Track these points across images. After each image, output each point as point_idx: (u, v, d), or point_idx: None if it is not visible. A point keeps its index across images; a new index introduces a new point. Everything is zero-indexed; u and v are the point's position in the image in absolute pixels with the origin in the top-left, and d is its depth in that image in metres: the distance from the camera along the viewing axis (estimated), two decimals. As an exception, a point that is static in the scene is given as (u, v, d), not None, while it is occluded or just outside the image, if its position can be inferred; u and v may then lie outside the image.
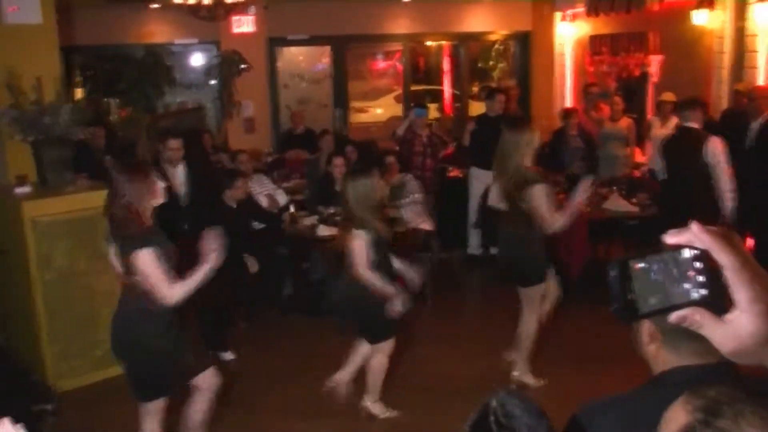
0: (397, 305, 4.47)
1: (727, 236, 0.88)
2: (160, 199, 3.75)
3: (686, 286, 0.88)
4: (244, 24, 10.80)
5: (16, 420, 1.49)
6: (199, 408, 4.08)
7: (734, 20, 8.10)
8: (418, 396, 5.10)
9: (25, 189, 5.31)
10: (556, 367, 5.45)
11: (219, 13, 8.82)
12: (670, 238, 0.90)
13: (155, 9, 10.40)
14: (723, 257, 0.86)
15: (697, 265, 0.88)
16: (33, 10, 5.48)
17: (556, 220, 4.71)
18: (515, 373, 5.18)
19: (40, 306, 5.18)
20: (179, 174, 5.56)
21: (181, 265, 5.52)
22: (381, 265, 4.50)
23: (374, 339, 4.69)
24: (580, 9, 10.50)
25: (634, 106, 9.61)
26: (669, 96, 8.06)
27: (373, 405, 4.83)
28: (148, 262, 3.60)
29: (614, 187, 7.30)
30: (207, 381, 4.00)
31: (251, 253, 6.26)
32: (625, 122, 8.63)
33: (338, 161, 7.23)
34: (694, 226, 0.88)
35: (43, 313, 5.19)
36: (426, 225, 7.00)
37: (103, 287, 5.43)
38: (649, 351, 1.74)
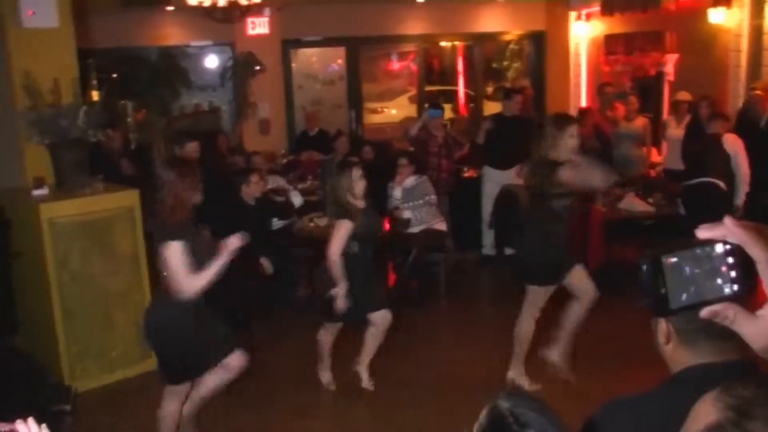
0: (339, 303, 4.75)
1: (761, 230, 0.87)
2: (199, 197, 3.94)
3: (719, 281, 0.87)
4: (258, 26, 10.83)
5: (39, 420, 1.50)
6: (211, 382, 4.18)
7: (751, 18, 8.04)
8: (430, 395, 5.09)
9: (42, 191, 5.36)
10: (571, 366, 5.42)
11: (234, 15, 8.85)
12: (703, 232, 0.89)
13: (170, 11, 10.46)
14: (756, 251, 0.85)
15: (730, 260, 0.87)
16: (50, 14, 5.53)
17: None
18: (510, 374, 5.16)
19: (56, 307, 5.22)
20: (194, 176, 5.59)
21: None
22: (358, 259, 4.84)
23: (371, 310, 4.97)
24: (595, 8, 10.46)
25: (649, 105, 9.56)
26: (684, 95, 8.01)
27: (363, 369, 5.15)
28: (174, 253, 3.78)
29: (630, 187, 7.26)
30: (232, 361, 4.13)
31: (267, 253, 6.28)
32: (640, 122, 8.59)
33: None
34: (728, 221, 0.87)
35: (59, 314, 5.23)
36: (440, 226, 6.99)
37: (119, 289, 5.47)
38: (666, 351, 1.73)
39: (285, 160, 9.97)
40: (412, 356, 5.86)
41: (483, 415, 1.79)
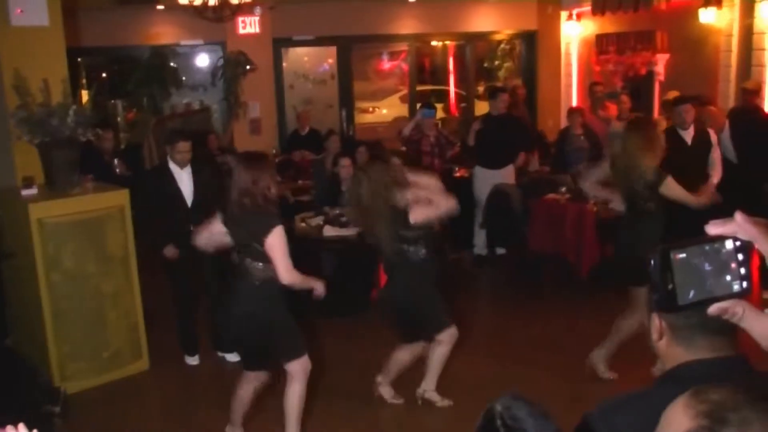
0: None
1: None
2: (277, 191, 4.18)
3: (728, 278, 0.87)
4: (249, 25, 10.81)
5: (28, 423, 1.48)
6: (295, 389, 4.26)
7: (742, 18, 8.07)
8: (414, 396, 5.08)
9: (31, 191, 5.31)
10: (569, 365, 5.43)
11: (225, 14, 8.81)
12: (713, 228, 0.87)
13: (161, 10, 10.41)
14: (767, 247, 0.84)
15: (740, 257, 0.86)
16: (40, 12, 5.49)
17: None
18: (593, 356, 5.16)
19: (47, 308, 5.18)
20: (186, 175, 5.56)
21: (190, 262, 5.54)
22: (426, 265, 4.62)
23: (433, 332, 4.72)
24: (586, 8, 10.47)
25: (641, 105, 9.58)
26: (675, 95, 8.03)
27: (431, 393, 4.92)
28: (280, 238, 3.95)
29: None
30: (300, 366, 4.23)
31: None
32: (632, 121, 8.60)
33: (345, 162, 7.22)
34: (738, 216, 0.86)
35: (50, 315, 5.19)
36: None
37: (110, 289, 5.44)
38: (660, 347, 1.72)
39: (276, 160, 9.94)
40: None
41: (481, 415, 1.79)
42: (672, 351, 1.68)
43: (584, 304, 6.69)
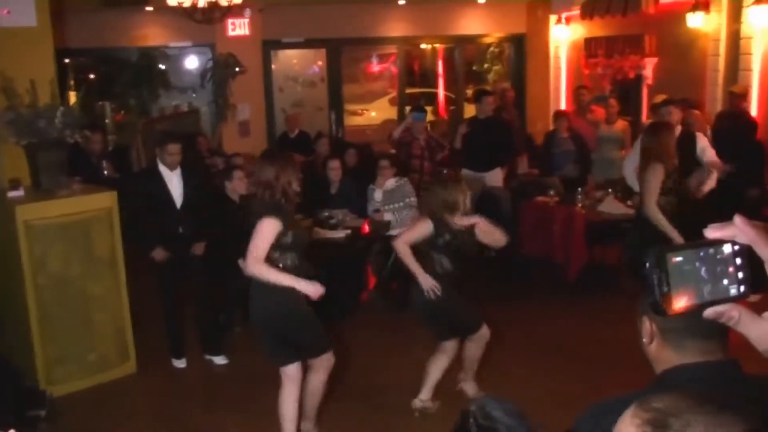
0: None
1: None
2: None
3: (725, 282, 0.86)
4: (239, 27, 10.79)
5: (16, 428, 1.46)
6: (317, 382, 4.33)
7: (729, 23, 8.12)
8: (413, 395, 5.07)
9: (18, 192, 5.27)
10: (556, 368, 5.44)
11: (214, 16, 8.79)
12: (712, 232, 0.87)
13: (150, 12, 10.38)
14: (766, 252, 0.84)
15: (738, 261, 0.86)
16: (27, 13, 5.45)
17: None
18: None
19: (33, 310, 5.14)
20: (176, 178, 5.53)
21: (178, 265, 5.52)
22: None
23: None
24: (575, 12, 10.51)
25: (629, 108, 9.62)
26: (663, 98, 8.05)
27: (466, 384, 5.02)
28: (267, 228, 3.96)
29: (610, 190, 7.29)
30: (325, 362, 4.29)
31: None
32: (620, 125, 8.64)
33: (334, 164, 7.21)
34: (738, 219, 0.86)
35: (36, 317, 5.15)
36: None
37: (97, 292, 5.40)
38: (651, 350, 1.72)
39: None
40: (391, 357, 5.85)
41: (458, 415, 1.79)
42: (663, 355, 1.68)
43: (572, 307, 6.70)
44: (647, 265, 0.87)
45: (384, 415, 4.93)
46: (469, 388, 5.00)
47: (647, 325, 1.70)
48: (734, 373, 1.62)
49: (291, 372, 4.24)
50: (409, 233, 4.78)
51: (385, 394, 5.18)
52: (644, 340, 1.72)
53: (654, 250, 0.87)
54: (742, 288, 0.86)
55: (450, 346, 4.79)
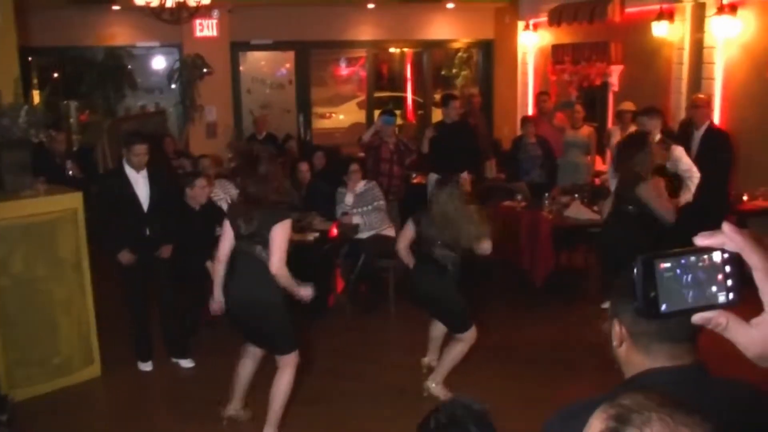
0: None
1: (760, 239, 0.88)
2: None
3: (714, 288, 0.88)
4: (206, 28, 10.72)
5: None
6: (284, 379, 4.40)
7: (693, 32, 8.27)
8: (386, 400, 5.08)
9: (-19, 193, 5.18)
10: (523, 372, 5.48)
11: (182, 17, 8.72)
12: (701, 239, 0.89)
13: (117, 11, 10.26)
14: (754, 259, 0.86)
15: (727, 268, 0.87)
16: (-9, 10, 5.36)
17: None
18: None
19: (-5, 313, 5.04)
20: (142, 179, 5.46)
21: (144, 268, 5.46)
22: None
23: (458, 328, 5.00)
24: (543, 18, 10.62)
25: (595, 114, 9.74)
26: (629, 105, 8.17)
27: (436, 387, 5.05)
28: (286, 231, 4.15)
29: (576, 195, 7.37)
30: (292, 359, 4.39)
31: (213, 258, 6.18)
32: (586, 131, 8.74)
33: (303, 166, 7.20)
34: (727, 227, 0.88)
35: (-2, 320, 5.06)
36: (389, 231, 7.00)
37: (62, 294, 5.32)
38: (620, 353, 1.74)
39: (233, 164, 9.86)
40: (360, 361, 5.84)
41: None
42: (632, 358, 1.70)
43: (538, 311, 6.76)
44: (635, 270, 0.88)
45: (351, 419, 4.93)
46: (439, 392, 5.02)
47: (617, 329, 1.71)
48: (701, 376, 1.65)
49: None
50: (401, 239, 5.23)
51: (354, 398, 5.17)
52: (614, 343, 1.73)
53: (642, 256, 0.88)
54: (731, 295, 0.87)
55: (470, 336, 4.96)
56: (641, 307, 0.88)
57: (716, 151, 6.90)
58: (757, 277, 0.86)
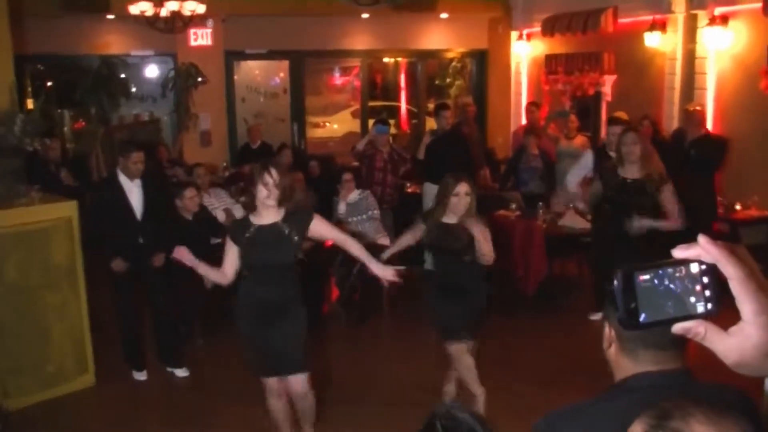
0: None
1: (733, 249, 0.91)
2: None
3: (692, 299, 0.90)
4: (201, 37, 10.74)
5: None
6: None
7: (685, 43, 8.33)
8: (375, 408, 5.08)
9: (-26, 201, 5.18)
10: (514, 382, 5.48)
11: (176, 26, 8.75)
12: (679, 252, 0.92)
13: (111, 20, 10.27)
14: (729, 269, 0.88)
15: (705, 279, 0.90)
16: (-14, 18, 5.37)
17: None
18: None
19: (-12, 321, 5.03)
20: (136, 188, 5.46)
21: (137, 276, 5.46)
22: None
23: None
24: (536, 28, 10.68)
25: (588, 124, 9.79)
26: (620, 115, 8.22)
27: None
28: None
29: (570, 204, 7.40)
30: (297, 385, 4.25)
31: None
32: (579, 140, 8.77)
33: (296, 176, 7.20)
34: (702, 239, 0.90)
35: (-8, 328, 5.04)
36: (384, 240, 7.01)
37: (55, 302, 5.31)
38: (610, 355, 1.80)
39: (227, 173, 9.87)
40: (355, 371, 5.84)
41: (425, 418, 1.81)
42: (621, 362, 1.76)
43: (530, 319, 6.77)
44: (615, 282, 0.91)
45: (344, 427, 4.93)
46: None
47: (607, 331, 1.78)
48: (687, 381, 1.70)
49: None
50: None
51: (347, 405, 5.17)
52: (604, 344, 1.79)
53: (622, 268, 0.91)
54: (709, 305, 0.90)
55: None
56: (622, 317, 0.91)
57: (707, 153, 6.91)
58: (733, 286, 0.88)
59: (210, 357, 6.07)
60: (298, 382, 4.19)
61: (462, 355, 4.70)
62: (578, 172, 7.25)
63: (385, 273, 4.27)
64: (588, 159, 7.15)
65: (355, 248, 4.26)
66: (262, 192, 3.99)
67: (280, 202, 4.05)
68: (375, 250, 6.86)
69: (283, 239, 4.07)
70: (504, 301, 7.33)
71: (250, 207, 4.17)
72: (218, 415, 5.04)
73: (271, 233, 4.07)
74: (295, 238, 4.09)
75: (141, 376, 5.70)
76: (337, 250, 6.82)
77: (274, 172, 4.02)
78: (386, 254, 4.84)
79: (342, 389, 5.47)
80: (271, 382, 4.26)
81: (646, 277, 0.90)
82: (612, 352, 1.77)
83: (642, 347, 1.70)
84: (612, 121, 6.94)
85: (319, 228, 4.20)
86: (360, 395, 5.34)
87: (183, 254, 4.07)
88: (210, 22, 10.57)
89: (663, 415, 1.03)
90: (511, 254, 7.08)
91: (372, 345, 6.52)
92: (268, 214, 4.09)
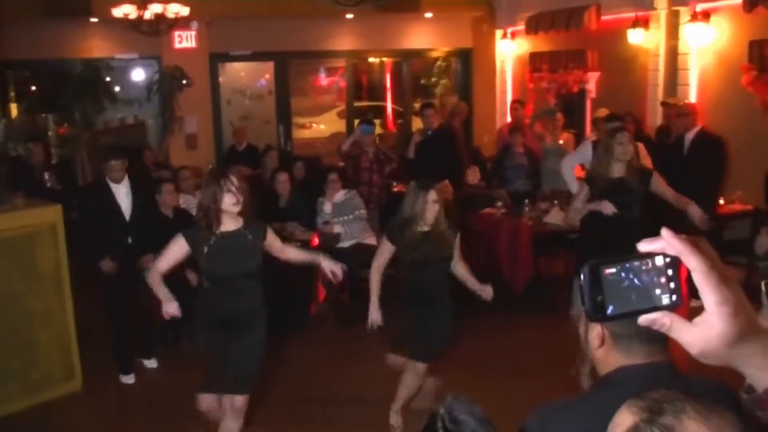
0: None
1: (696, 241, 0.92)
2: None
3: (657, 291, 0.92)
4: (185, 39, 10.70)
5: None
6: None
7: (668, 39, 8.37)
8: (364, 412, 5.08)
9: (-42, 207, 5.15)
10: (503, 380, 5.50)
11: (161, 28, 8.73)
12: (644, 246, 0.93)
13: (95, 23, 10.22)
14: (692, 261, 0.90)
15: (669, 272, 0.92)
16: (-33, 23, 5.34)
17: None
18: None
19: (-27, 328, 5.00)
20: (124, 190, 5.48)
21: (126, 277, 5.44)
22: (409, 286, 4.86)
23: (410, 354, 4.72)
24: (520, 27, 10.72)
25: (573, 121, 9.82)
26: (604, 112, 8.24)
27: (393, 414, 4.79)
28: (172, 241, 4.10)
29: (555, 201, 7.42)
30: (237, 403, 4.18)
31: (192, 267, 6.17)
32: (565, 137, 8.81)
33: (282, 177, 7.20)
34: (665, 232, 0.92)
35: (-24, 335, 5.01)
36: (371, 240, 7.02)
37: (41, 308, 5.29)
38: (598, 353, 1.81)
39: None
40: (344, 372, 5.84)
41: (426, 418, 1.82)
42: (610, 357, 1.78)
43: (517, 321, 6.77)
44: (581, 276, 0.93)
45: (332, 428, 4.93)
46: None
47: (599, 330, 1.78)
48: (672, 374, 1.73)
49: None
50: (377, 258, 4.92)
51: (337, 407, 5.17)
52: (594, 343, 1.79)
53: (588, 263, 0.93)
54: (674, 297, 0.92)
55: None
56: (589, 310, 0.93)
57: (709, 157, 6.87)
58: (696, 278, 0.90)
59: (197, 360, 6.04)
60: (239, 400, 4.15)
61: (420, 375, 4.69)
62: (575, 157, 7.27)
63: (335, 268, 4.30)
64: (587, 148, 7.10)
65: (300, 254, 4.31)
66: (229, 199, 3.90)
67: (242, 209, 3.98)
68: (362, 250, 6.89)
69: (248, 246, 4.01)
70: (491, 301, 7.34)
71: (210, 220, 3.95)
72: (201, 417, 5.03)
73: (234, 241, 3.98)
74: (259, 243, 4.04)
75: (128, 379, 5.69)
76: (323, 250, 6.84)
77: (233, 178, 3.98)
78: (374, 313, 4.88)
79: (331, 391, 5.47)
80: (211, 399, 4.25)
81: (612, 270, 0.92)
82: (602, 350, 1.79)
83: (637, 342, 1.74)
84: (611, 117, 6.92)
85: (271, 237, 4.15)
86: (350, 397, 5.34)
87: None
88: (194, 25, 10.54)
89: (655, 409, 1.04)
90: (497, 252, 7.09)
91: (360, 345, 6.51)
92: (228, 223, 4.00)
